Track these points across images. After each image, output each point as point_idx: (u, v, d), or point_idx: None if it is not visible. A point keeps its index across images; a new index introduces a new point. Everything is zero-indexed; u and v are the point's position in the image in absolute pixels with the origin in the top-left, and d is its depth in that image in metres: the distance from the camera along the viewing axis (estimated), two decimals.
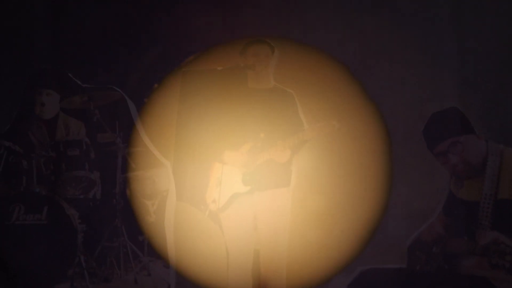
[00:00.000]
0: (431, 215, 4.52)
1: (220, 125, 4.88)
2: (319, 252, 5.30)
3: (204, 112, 5.04)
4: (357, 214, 5.32)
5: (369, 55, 5.51)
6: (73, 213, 5.80)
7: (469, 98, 5.37)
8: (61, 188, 5.94)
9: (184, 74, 5.28)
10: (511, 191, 3.83)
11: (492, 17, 5.46)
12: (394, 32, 5.50)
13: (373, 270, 4.11)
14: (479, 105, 5.38)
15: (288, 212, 4.90)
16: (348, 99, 5.39)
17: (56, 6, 5.88)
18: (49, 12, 5.85)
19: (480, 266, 3.80)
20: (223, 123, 4.88)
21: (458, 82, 5.43)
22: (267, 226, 4.84)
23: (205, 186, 4.96)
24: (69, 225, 5.73)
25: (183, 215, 5.47)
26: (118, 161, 6.14)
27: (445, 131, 3.99)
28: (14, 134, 5.96)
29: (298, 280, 5.18)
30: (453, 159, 3.97)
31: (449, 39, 5.48)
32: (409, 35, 5.50)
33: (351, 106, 5.37)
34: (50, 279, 5.64)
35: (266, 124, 4.81)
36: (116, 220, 6.04)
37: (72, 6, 5.86)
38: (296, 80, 5.23)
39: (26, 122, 6.15)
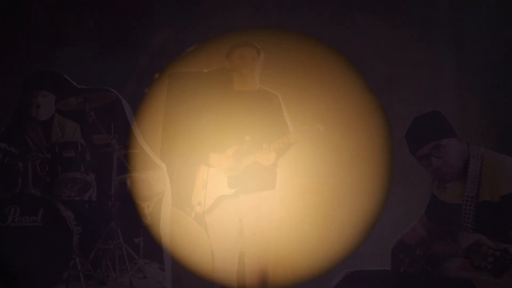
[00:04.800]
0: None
1: (206, 128, 4.89)
2: (318, 243, 5.29)
3: (189, 115, 5.03)
4: (357, 206, 5.31)
5: (368, 54, 5.48)
6: (69, 215, 5.82)
7: (468, 98, 5.35)
8: (56, 189, 5.96)
9: (170, 76, 5.28)
10: (491, 193, 3.82)
11: (491, 18, 5.43)
12: (393, 31, 5.47)
13: (358, 273, 4.09)
14: (477, 105, 5.36)
15: (273, 215, 4.91)
16: (348, 93, 5.37)
17: (53, 7, 5.89)
18: (46, 14, 5.86)
19: (463, 268, 3.78)
20: (209, 126, 4.89)
21: (457, 82, 5.41)
22: (252, 229, 4.86)
23: (191, 188, 4.97)
24: (64, 227, 5.73)
25: (179, 217, 5.47)
26: (113, 163, 6.16)
27: (428, 135, 3.96)
28: (10, 136, 5.98)
29: (297, 273, 5.19)
30: (435, 162, 3.94)
31: (448, 38, 5.46)
32: (408, 35, 5.47)
33: (352, 99, 5.36)
34: (45, 281, 5.65)
35: (252, 126, 4.82)
36: (112, 222, 6.06)
37: (68, 7, 5.86)
38: (296, 75, 5.24)
39: (22, 124, 6.18)
